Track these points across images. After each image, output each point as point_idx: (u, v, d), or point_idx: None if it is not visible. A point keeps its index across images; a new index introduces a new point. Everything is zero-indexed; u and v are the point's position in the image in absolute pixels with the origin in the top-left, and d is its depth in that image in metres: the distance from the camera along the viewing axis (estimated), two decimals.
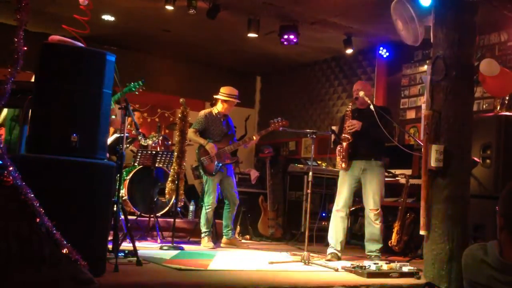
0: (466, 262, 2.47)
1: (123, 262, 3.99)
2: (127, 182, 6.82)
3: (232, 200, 6.16)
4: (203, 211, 6.02)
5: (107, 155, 4.24)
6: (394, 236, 5.92)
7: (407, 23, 4.59)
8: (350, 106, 5.52)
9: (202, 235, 6.00)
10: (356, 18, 7.13)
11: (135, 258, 4.08)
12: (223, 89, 6.18)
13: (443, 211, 4.17)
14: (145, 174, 6.84)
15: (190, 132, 6.07)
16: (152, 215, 6.33)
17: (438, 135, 4.24)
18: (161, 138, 7.26)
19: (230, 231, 6.19)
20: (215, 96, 6.23)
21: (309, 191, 5.02)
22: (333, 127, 6.51)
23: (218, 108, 6.17)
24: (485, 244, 2.43)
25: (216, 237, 6.34)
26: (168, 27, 8.16)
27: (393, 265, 4.45)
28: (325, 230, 5.77)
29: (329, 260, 5.16)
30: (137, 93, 5.53)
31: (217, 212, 6.37)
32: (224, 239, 6.22)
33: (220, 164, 5.99)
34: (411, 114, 7.95)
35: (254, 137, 6.16)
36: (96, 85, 3.55)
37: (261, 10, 7.06)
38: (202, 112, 6.20)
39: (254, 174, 7.66)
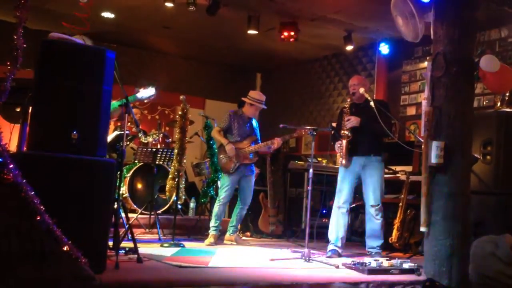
0: (474, 253, 2.45)
1: (123, 259, 4.00)
2: (127, 179, 6.82)
3: (243, 200, 6.20)
4: (215, 205, 6.10)
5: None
6: (394, 233, 5.92)
7: (407, 19, 4.58)
8: (347, 102, 5.52)
9: (209, 230, 6.02)
10: (356, 14, 7.12)
11: (136, 255, 4.09)
12: (251, 93, 6.25)
13: (444, 207, 4.17)
14: (146, 171, 6.84)
15: (214, 131, 6.23)
16: (152, 213, 6.34)
17: (438, 132, 4.24)
18: (161, 135, 7.26)
19: (232, 228, 6.21)
20: (243, 99, 6.26)
21: (309, 188, 5.03)
22: (333, 124, 6.49)
23: (244, 110, 6.20)
24: (496, 237, 2.42)
25: (218, 235, 6.34)
26: (168, 24, 8.15)
27: (393, 261, 4.46)
28: (326, 227, 5.77)
29: (329, 257, 5.17)
30: (146, 101, 5.46)
31: None
32: (226, 235, 6.23)
33: (238, 164, 6.01)
34: (411, 111, 7.95)
35: (276, 142, 6.14)
36: (96, 82, 3.54)
37: (261, 6, 7.05)
38: (228, 112, 6.24)
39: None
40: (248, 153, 6.11)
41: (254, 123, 6.34)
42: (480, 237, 4.83)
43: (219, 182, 6.72)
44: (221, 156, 6.09)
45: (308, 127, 5.43)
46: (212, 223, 6.02)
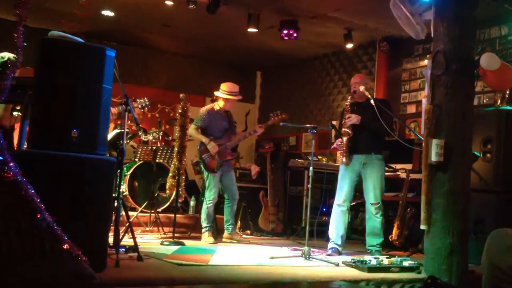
0: (491, 244, 2.42)
1: (124, 258, 4.00)
2: (127, 177, 6.82)
3: (231, 196, 6.16)
4: (204, 206, 6.03)
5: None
6: (394, 231, 5.92)
7: (406, 20, 4.62)
8: (349, 100, 5.52)
9: (203, 230, 6.01)
10: (356, 12, 7.11)
11: (136, 254, 4.09)
12: (223, 86, 6.15)
13: (444, 205, 4.17)
14: (146, 169, 6.85)
15: (192, 129, 6.09)
16: (153, 211, 6.34)
17: (438, 130, 4.24)
18: (161, 133, 7.26)
19: (230, 226, 6.20)
20: (215, 93, 6.22)
21: (309, 186, 5.03)
22: (334, 122, 6.50)
23: (220, 104, 6.16)
24: None
25: (216, 232, 6.34)
26: (168, 23, 8.14)
27: (393, 259, 4.46)
28: (326, 225, 5.78)
29: (329, 255, 5.17)
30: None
31: (218, 208, 6.38)
32: (225, 234, 6.23)
33: (222, 161, 6.00)
34: (411, 109, 7.95)
35: (258, 130, 6.14)
36: (96, 80, 3.54)
37: (261, 4, 7.04)
38: (204, 109, 6.18)
39: (254, 169, 7.66)
40: (230, 148, 6.10)
41: (231, 116, 6.30)
42: (480, 235, 4.85)
43: None
44: (204, 155, 6.02)
45: (308, 126, 5.43)
46: (205, 224, 6.01)
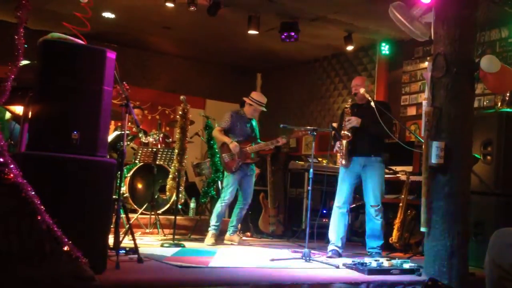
0: (494, 242, 2.44)
1: (124, 259, 3.99)
2: (128, 179, 6.82)
3: (245, 199, 6.20)
4: (217, 204, 6.08)
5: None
6: (394, 233, 5.92)
7: (405, 27, 4.64)
8: (349, 102, 5.52)
9: (209, 228, 6.01)
10: (357, 14, 7.12)
11: (136, 255, 4.08)
12: (253, 94, 6.27)
13: (444, 207, 4.17)
14: (146, 171, 6.85)
15: (215, 131, 6.22)
16: (153, 213, 6.34)
17: (439, 132, 4.24)
18: (161, 135, 7.26)
19: (232, 227, 6.21)
20: (244, 98, 6.27)
21: (309, 188, 5.03)
22: (334, 124, 6.50)
23: (245, 109, 6.21)
24: None
25: (217, 235, 6.34)
26: (168, 24, 8.15)
27: (393, 262, 4.46)
28: (326, 227, 5.78)
29: (329, 257, 5.17)
30: None
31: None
32: (226, 235, 6.23)
33: (241, 163, 6.02)
34: (412, 111, 7.95)
35: (280, 141, 6.16)
36: (96, 82, 3.54)
37: (262, 7, 7.05)
38: (229, 112, 6.23)
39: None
40: (250, 153, 6.12)
41: (254, 123, 6.35)
42: (480, 237, 4.86)
43: (219, 182, 6.73)
44: (224, 155, 6.08)
45: (308, 128, 5.43)
46: (213, 222, 6.02)
